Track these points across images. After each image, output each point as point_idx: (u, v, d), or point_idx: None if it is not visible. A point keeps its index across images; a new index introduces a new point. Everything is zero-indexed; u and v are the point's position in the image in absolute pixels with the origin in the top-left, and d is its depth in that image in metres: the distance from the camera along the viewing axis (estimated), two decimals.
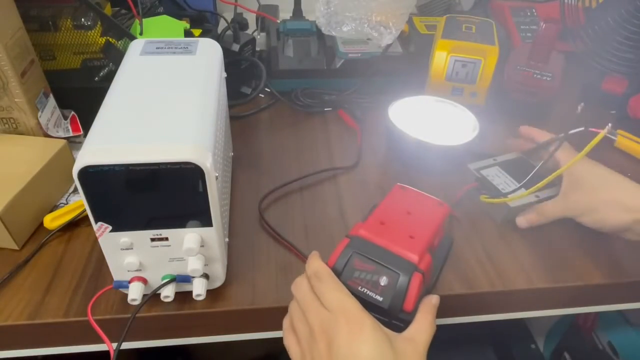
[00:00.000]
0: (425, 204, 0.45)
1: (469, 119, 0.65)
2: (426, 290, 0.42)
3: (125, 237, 0.40)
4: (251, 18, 0.88)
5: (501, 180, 0.56)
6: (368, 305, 0.38)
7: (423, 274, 0.38)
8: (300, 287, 0.39)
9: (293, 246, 0.52)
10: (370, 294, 0.38)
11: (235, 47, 0.73)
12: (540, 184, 0.51)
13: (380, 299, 0.38)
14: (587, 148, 0.48)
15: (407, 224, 0.42)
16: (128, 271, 0.42)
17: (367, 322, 0.35)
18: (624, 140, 0.68)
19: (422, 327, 0.37)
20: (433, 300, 0.40)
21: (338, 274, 0.39)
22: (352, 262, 0.39)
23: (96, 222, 0.39)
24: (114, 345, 0.39)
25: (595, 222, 0.50)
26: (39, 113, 0.57)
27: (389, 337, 0.36)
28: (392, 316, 0.38)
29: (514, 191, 0.52)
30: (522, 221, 0.55)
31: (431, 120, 0.65)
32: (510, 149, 0.61)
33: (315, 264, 0.40)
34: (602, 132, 0.48)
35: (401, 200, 0.46)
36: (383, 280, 0.38)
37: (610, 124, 0.51)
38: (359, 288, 0.38)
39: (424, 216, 0.44)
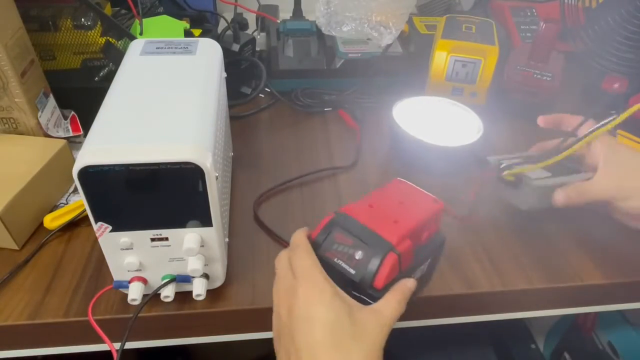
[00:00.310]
0: (420, 198, 0.45)
1: (473, 120, 0.65)
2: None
3: (125, 237, 0.40)
4: (251, 18, 0.88)
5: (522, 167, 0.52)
6: (342, 277, 0.39)
7: (399, 256, 0.39)
8: (280, 259, 0.41)
9: (285, 241, 0.52)
10: (345, 266, 0.39)
11: (235, 47, 0.73)
12: (565, 153, 0.49)
13: (353, 272, 0.39)
14: (620, 118, 0.47)
15: (394, 211, 0.43)
16: (128, 271, 0.42)
17: (327, 289, 0.36)
18: (624, 140, 0.68)
19: (389, 303, 0.37)
20: (409, 283, 0.40)
21: (319, 245, 0.41)
22: (333, 235, 0.41)
23: (96, 222, 0.39)
24: (116, 345, 0.39)
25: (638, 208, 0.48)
26: (39, 113, 0.57)
27: (351, 306, 0.36)
28: (362, 291, 0.39)
29: (536, 159, 0.50)
30: (560, 196, 0.50)
31: (435, 121, 0.65)
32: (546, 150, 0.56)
33: (297, 236, 0.41)
34: (637, 105, 0.47)
35: (396, 191, 0.46)
36: (358, 255, 0.39)
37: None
38: (335, 259, 0.40)
39: (414, 207, 0.44)
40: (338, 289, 0.37)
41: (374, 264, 0.38)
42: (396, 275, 0.39)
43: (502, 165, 0.53)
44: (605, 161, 0.49)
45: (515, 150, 0.60)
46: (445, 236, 0.46)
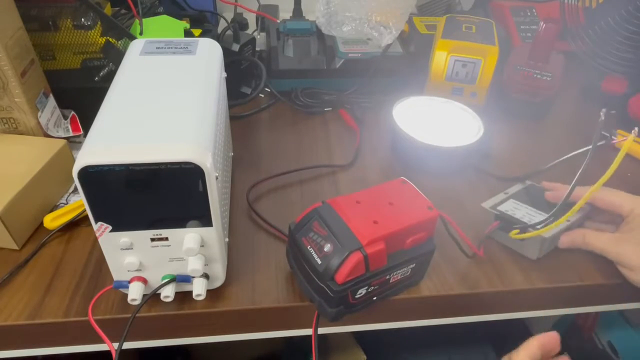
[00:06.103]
0: (414, 202, 0.44)
1: (474, 121, 0.65)
2: (380, 286, 0.43)
3: (125, 237, 0.40)
4: (251, 18, 0.88)
5: (523, 212, 0.52)
6: (310, 264, 0.41)
7: (365, 257, 0.39)
8: None
9: (284, 234, 0.52)
10: (314, 254, 0.41)
11: (235, 47, 0.73)
12: (574, 209, 0.47)
13: (319, 262, 0.41)
14: (614, 163, 0.44)
15: (379, 211, 0.43)
16: (128, 271, 0.42)
17: None
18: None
19: None
20: None
21: (299, 229, 0.43)
22: (312, 223, 0.43)
23: (96, 222, 0.39)
24: (115, 345, 0.39)
25: None
26: (39, 113, 0.57)
27: None
28: (323, 281, 0.41)
29: (546, 221, 0.48)
30: (565, 241, 0.51)
31: (435, 121, 0.65)
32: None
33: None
34: (630, 137, 0.45)
35: (393, 191, 0.45)
36: (327, 247, 0.40)
37: (637, 128, 0.47)
38: (307, 247, 0.42)
39: (403, 211, 0.43)
40: None
41: (338, 259, 0.39)
42: (362, 274, 0.40)
43: (498, 214, 0.51)
44: (633, 222, 0.48)
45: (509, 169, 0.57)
46: (435, 245, 0.45)
